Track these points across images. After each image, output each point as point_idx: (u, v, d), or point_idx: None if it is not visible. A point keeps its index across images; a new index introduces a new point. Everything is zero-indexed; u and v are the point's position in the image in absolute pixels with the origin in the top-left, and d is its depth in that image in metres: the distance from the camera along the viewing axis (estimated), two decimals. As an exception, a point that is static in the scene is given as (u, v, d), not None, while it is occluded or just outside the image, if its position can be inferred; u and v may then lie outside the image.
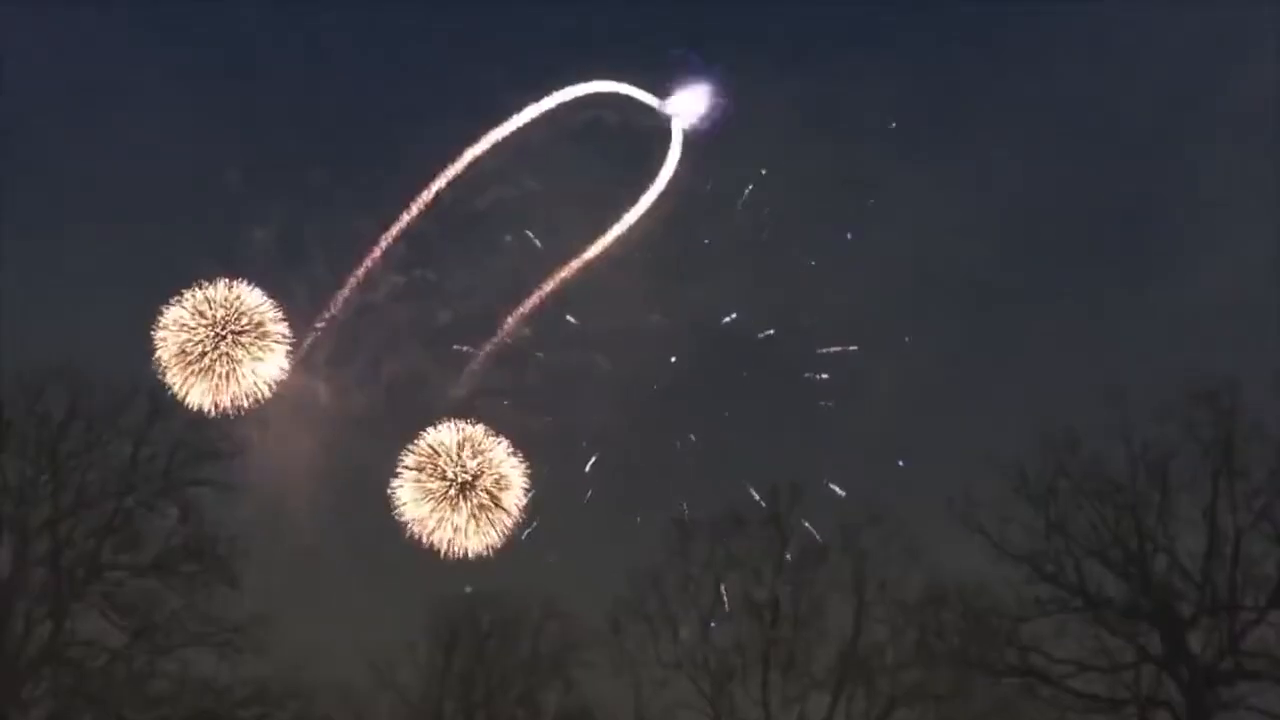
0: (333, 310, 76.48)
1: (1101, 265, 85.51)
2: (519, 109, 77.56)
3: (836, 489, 72.57)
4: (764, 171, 79.06)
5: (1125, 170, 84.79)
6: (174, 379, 68.94)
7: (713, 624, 68.12)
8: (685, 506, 72.02)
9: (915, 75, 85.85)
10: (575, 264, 77.67)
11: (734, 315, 78.73)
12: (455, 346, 77.76)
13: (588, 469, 76.31)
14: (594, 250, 77.58)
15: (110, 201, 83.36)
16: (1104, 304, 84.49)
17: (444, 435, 72.01)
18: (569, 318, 78.34)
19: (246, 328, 70.64)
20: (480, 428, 72.44)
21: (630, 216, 77.54)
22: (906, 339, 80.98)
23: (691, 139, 77.95)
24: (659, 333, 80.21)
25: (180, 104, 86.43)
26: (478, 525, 71.24)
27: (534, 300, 77.89)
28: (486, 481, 71.78)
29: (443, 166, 78.36)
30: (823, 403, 78.74)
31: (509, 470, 72.08)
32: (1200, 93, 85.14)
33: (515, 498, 72.06)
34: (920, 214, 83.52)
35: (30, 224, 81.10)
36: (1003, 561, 62.04)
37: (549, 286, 77.72)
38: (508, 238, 78.75)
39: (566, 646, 66.68)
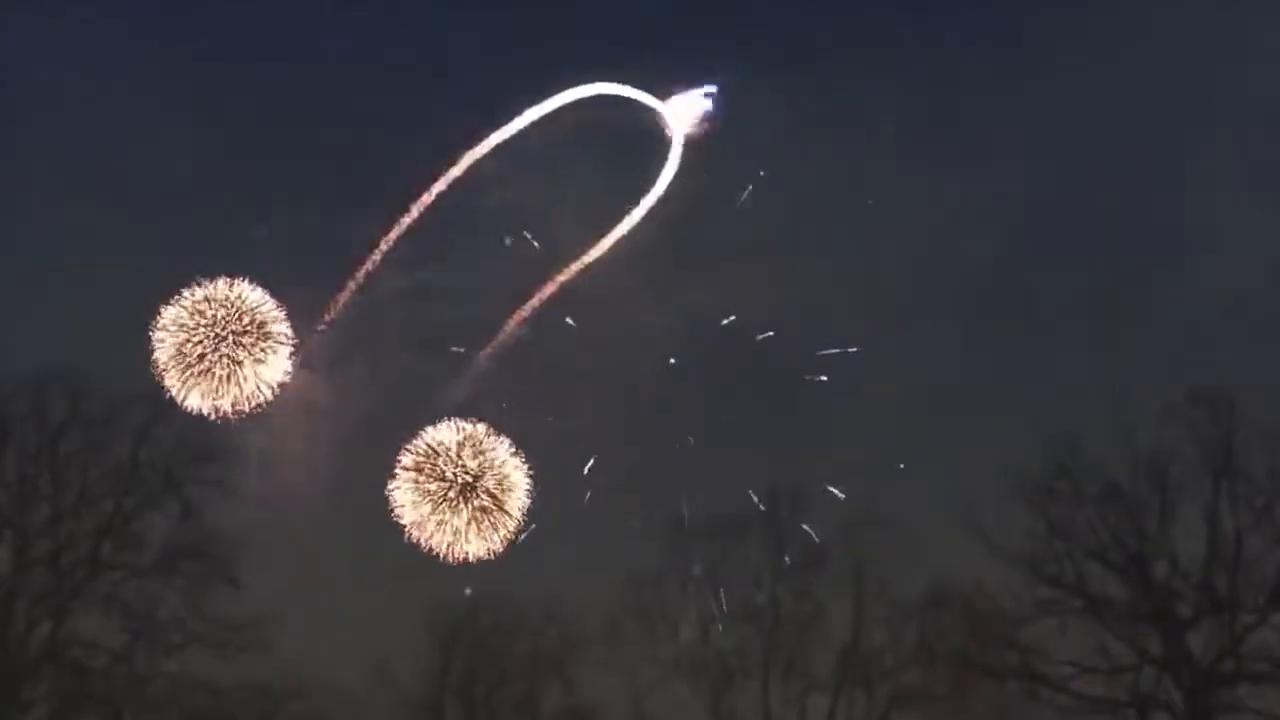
0: (333, 311, 74.33)
1: (1103, 267, 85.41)
2: (519, 110, 77.82)
3: (836, 492, 72.43)
4: (763, 173, 79.40)
5: (1126, 171, 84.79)
6: (172, 381, 66.59)
7: (713, 625, 68.25)
8: (685, 508, 71.98)
9: (917, 75, 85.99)
10: (575, 265, 77.60)
11: (733, 317, 78.65)
12: (454, 348, 77.70)
13: (586, 471, 76.10)
14: (594, 252, 77.56)
15: (109, 201, 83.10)
16: (1105, 306, 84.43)
17: (443, 434, 69.89)
18: (568, 320, 78.04)
19: (248, 328, 68.17)
20: (482, 427, 70.41)
21: (631, 218, 77.58)
22: (908, 338, 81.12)
23: (691, 140, 78.20)
24: (658, 334, 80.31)
25: (180, 104, 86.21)
26: (479, 528, 69.23)
27: (534, 302, 77.65)
28: (488, 482, 69.73)
29: (443, 167, 78.58)
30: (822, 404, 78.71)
31: (511, 471, 70.01)
32: (1203, 94, 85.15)
33: (518, 500, 70.02)
34: (921, 214, 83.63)
35: (28, 223, 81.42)
36: (1002, 563, 62.04)
37: (549, 288, 77.44)
38: (507, 240, 78.66)
39: (566, 646, 66.39)
